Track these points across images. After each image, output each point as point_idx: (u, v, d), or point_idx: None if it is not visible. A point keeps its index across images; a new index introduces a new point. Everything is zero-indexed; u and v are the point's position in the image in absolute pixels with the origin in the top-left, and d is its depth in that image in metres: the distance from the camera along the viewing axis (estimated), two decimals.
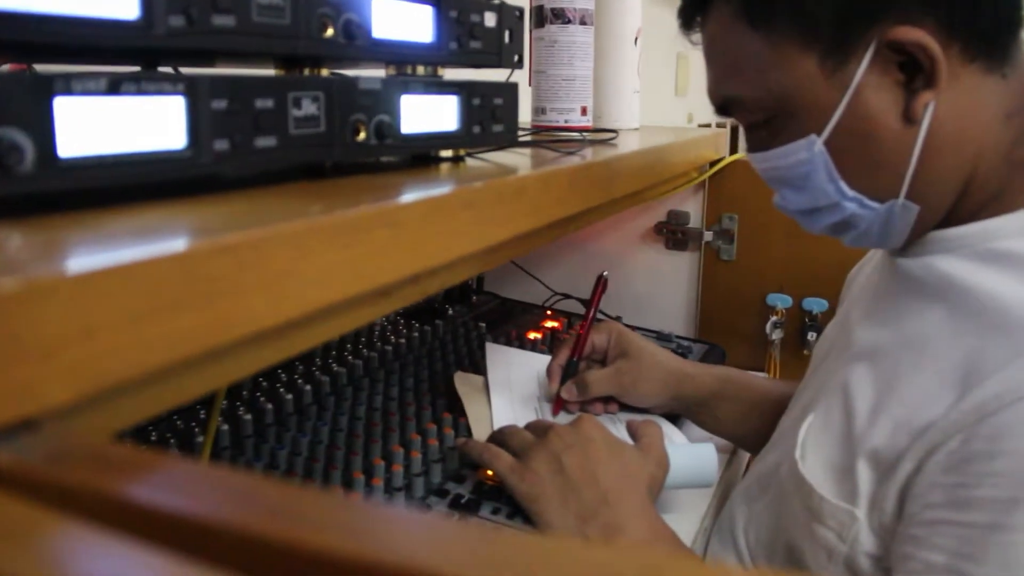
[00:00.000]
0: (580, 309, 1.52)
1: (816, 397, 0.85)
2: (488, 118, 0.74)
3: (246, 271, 0.38)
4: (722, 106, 0.80)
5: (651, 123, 1.64)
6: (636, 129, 1.39)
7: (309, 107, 0.56)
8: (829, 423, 0.79)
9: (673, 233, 1.57)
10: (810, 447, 0.80)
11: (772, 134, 0.77)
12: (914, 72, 0.71)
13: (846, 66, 0.72)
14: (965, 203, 0.75)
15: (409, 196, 0.52)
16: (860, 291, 0.94)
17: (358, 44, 0.60)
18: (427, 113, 0.68)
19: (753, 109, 0.77)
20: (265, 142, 0.52)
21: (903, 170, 0.73)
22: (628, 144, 1.08)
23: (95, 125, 0.42)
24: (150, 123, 0.45)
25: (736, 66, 0.77)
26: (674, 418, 1.15)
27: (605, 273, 1.18)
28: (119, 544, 0.23)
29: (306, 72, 0.61)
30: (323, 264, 0.43)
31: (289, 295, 0.41)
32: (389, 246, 0.48)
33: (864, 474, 0.73)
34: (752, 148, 0.81)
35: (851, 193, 0.75)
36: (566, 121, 1.17)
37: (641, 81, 1.40)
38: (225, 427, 0.93)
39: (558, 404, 1.11)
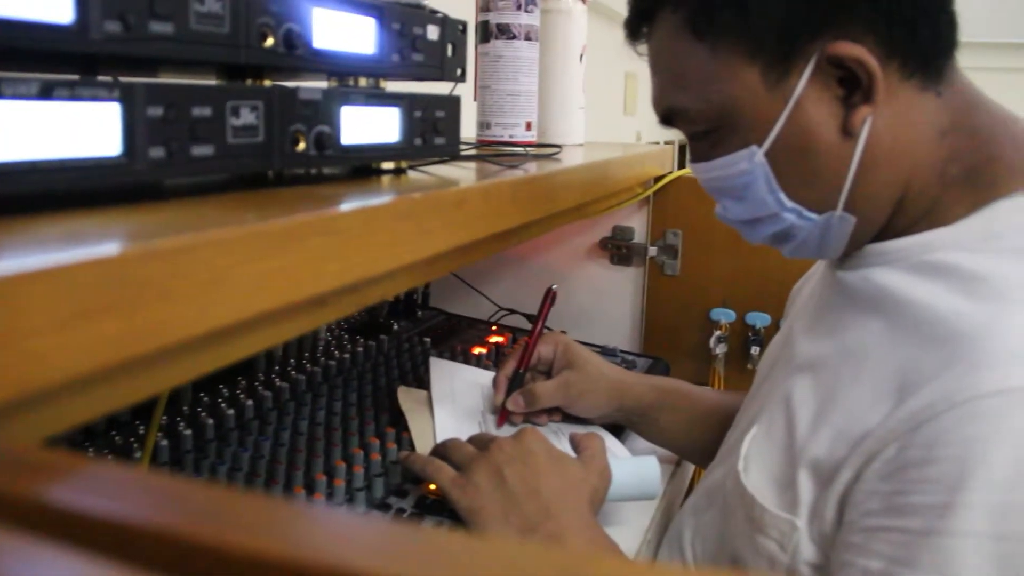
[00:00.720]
0: (525, 324, 1.52)
1: (761, 409, 0.86)
2: (430, 130, 0.74)
3: (177, 277, 0.38)
4: (665, 116, 0.82)
5: (600, 141, 1.65)
6: (581, 145, 1.40)
7: (248, 116, 0.56)
8: (772, 435, 0.80)
9: (618, 248, 1.58)
10: (753, 459, 0.81)
11: (714, 144, 0.79)
12: (853, 87, 0.73)
13: (787, 79, 0.73)
14: (900, 216, 0.77)
15: (347, 205, 0.52)
16: (803, 304, 0.96)
17: (298, 54, 0.60)
18: (368, 124, 0.67)
19: (696, 119, 0.78)
20: (202, 151, 0.52)
21: (841, 182, 0.75)
22: (572, 159, 1.09)
23: (26, 130, 0.42)
24: (84, 129, 0.45)
25: (680, 76, 0.78)
26: (617, 431, 1.16)
27: (554, 287, 1.19)
28: (44, 549, 0.22)
29: (247, 82, 0.61)
30: (257, 271, 0.43)
31: (222, 302, 0.41)
32: (326, 255, 0.48)
33: (805, 484, 0.74)
34: (694, 158, 0.82)
35: (790, 204, 0.77)
36: (511, 136, 1.18)
37: (590, 99, 1.41)
38: (164, 442, 0.92)
39: (503, 415, 1.11)
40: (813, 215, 0.77)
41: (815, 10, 0.72)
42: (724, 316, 1.50)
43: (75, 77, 0.45)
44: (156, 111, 0.49)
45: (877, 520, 0.67)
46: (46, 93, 0.43)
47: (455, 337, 1.44)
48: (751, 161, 0.76)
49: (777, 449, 0.78)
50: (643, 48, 0.83)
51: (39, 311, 0.31)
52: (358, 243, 0.52)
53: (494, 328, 1.50)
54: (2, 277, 0.30)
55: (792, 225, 0.78)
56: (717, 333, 1.49)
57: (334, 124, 0.63)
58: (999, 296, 0.67)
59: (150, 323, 0.36)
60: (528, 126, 1.19)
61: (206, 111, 0.52)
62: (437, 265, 0.67)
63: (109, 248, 0.35)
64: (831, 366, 0.78)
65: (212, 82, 0.59)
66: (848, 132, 0.73)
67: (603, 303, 1.60)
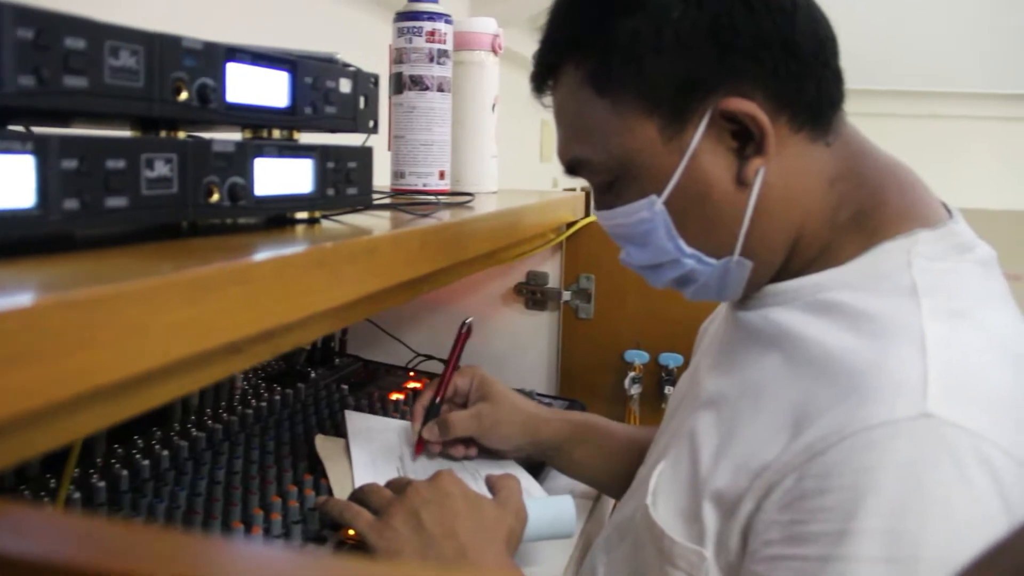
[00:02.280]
0: (442, 369, 1.53)
1: (668, 445, 0.89)
2: (342, 181, 0.76)
3: (94, 327, 0.39)
4: (570, 166, 0.86)
5: (518, 188, 1.68)
6: (494, 192, 1.43)
7: (162, 168, 0.57)
8: (678, 469, 0.82)
9: (532, 293, 1.61)
10: (661, 493, 0.83)
11: (617, 194, 0.82)
12: (745, 140, 0.77)
13: (683, 133, 0.77)
14: (795, 259, 0.81)
15: (260, 255, 0.54)
16: (709, 343, 0.99)
17: (212, 108, 0.61)
18: (281, 175, 0.69)
19: (598, 170, 0.82)
20: (116, 202, 0.53)
21: (737, 229, 0.79)
22: (484, 207, 1.11)
23: None
24: None
25: (583, 129, 0.82)
26: (536, 470, 1.18)
27: (470, 319, 1.21)
28: None
29: (162, 134, 0.62)
30: (172, 320, 0.44)
31: (138, 350, 0.42)
32: (240, 303, 0.50)
33: (710, 515, 0.76)
34: (599, 206, 0.86)
35: (689, 250, 0.81)
36: (424, 185, 1.20)
37: (506, 147, 1.45)
38: (77, 495, 0.91)
39: (419, 446, 1.13)
40: (712, 260, 0.81)
41: (707, 68, 0.76)
42: (638, 357, 1.53)
43: None
44: (70, 163, 0.50)
45: (778, 549, 0.70)
46: None
47: (373, 384, 1.45)
48: (651, 210, 0.80)
49: (683, 482, 0.81)
50: (549, 100, 0.86)
51: None
52: (272, 291, 0.53)
53: (412, 374, 1.51)
54: None
55: (692, 270, 0.82)
56: (631, 374, 1.52)
57: (248, 175, 0.65)
58: (884, 332, 0.72)
59: (69, 371, 0.37)
60: (441, 175, 1.21)
61: (120, 163, 0.53)
62: (350, 312, 0.69)
63: (27, 298, 0.36)
64: (732, 401, 0.81)
65: (126, 134, 0.61)
66: (742, 182, 0.78)
67: (519, 348, 1.63)
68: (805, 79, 0.77)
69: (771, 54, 0.76)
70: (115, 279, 0.41)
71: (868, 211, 0.80)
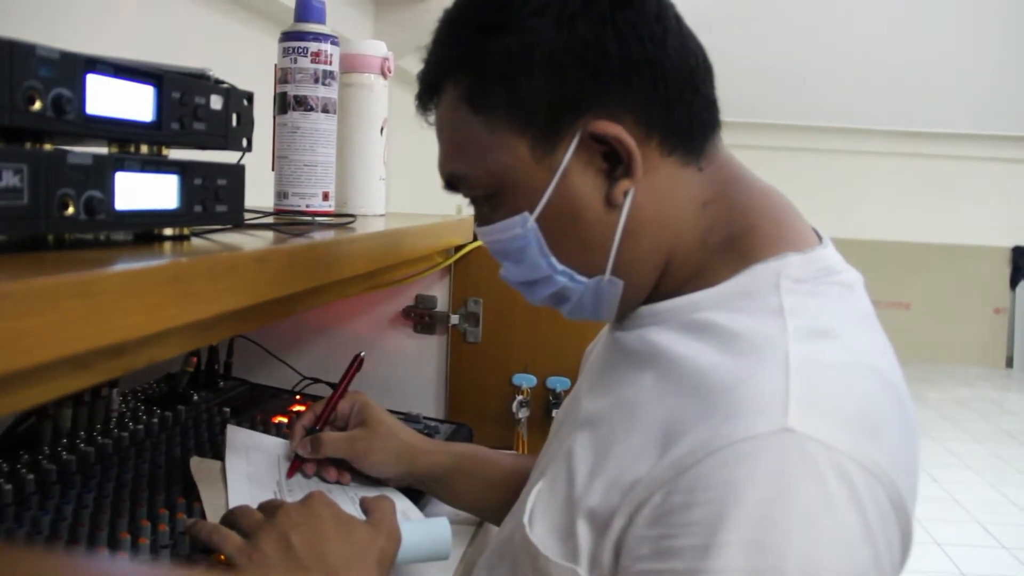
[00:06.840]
0: (329, 393, 1.52)
1: (547, 465, 0.89)
2: (211, 198, 0.75)
3: None
4: (449, 181, 0.87)
5: (418, 212, 1.68)
6: (382, 215, 1.42)
7: (11, 179, 0.56)
8: (554, 488, 0.83)
9: (421, 317, 1.61)
10: (538, 512, 0.84)
11: (493, 209, 0.84)
12: (615, 162, 0.79)
13: (554, 152, 0.79)
14: (668, 279, 0.83)
15: (108, 268, 0.53)
16: (591, 366, 1.00)
17: (69, 119, 0.60)
18: (145, 191, 0.68)
19: (474, 185, 0.84)
20: None
21: (607, 249, 0.81)
22: (367, 228, 1.11)
23: None
24: None
25: (459, 145, 0.83)
26: (417, 494, 1.18)
27: (362, 353, 1.21)
28: None
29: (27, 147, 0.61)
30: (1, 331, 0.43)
31: None
32: (80, 317, 0.48)
33: (583, 533, 0.77)
34: (478, 222, 0.88)
35: (561, 267, 0.82)
36: (308, 206, 1.19)
37: (408, 172, 1.44)
38: None
39: (294, 466, 1.13)
40: (583, 278, 0.83)
41: (576, 90, 0.78)
42: (526, 381, 1.54)
43: None
44: None
45: (647, 564, 0.70)
46: None
47: (256, 407, 1.42)
48: (524, 226, 0.81)
49: (559, 501, 0.82)
50: (433, 118, 0.87)
51: None
52: (117, 305, 0.52)
53: (298, 397, 1.49)
54: None
55: (565, 287, 0.83)
56: (519, 398, 1.53)
57: (107, 189, 0.64)
58: (751, 351, 0.74)
59: None
60: (325, 196, 1.21)
61: None
62: (213, 329, 0.68)
63: None
64: (607, 420, 0.82)
65: None
66: (612, 203, 0.79)
67: (407, 371, 1.62)
68: (675, 103, 0.79)
69: (640, 78, 0.78)
70: None
71: (740, 234, 0.82)
